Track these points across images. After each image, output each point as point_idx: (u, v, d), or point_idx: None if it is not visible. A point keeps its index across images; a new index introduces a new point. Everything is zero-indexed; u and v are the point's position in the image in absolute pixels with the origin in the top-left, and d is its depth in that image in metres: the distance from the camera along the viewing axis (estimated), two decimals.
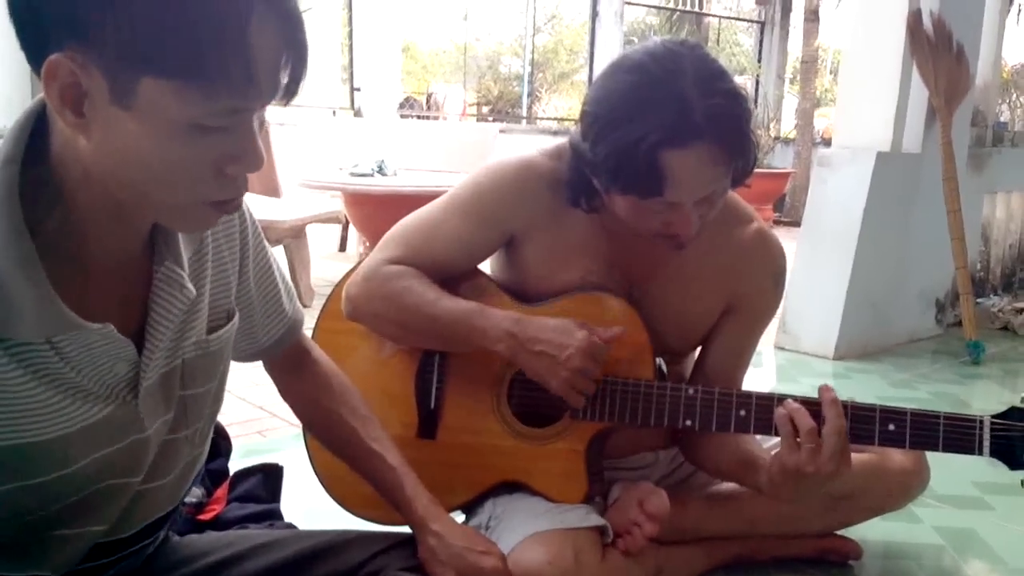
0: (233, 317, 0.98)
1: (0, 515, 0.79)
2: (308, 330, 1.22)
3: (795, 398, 1.26)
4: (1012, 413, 1.23)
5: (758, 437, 1.42)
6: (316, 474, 1.47)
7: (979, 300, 4.08)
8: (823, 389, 1.23)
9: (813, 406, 1.23)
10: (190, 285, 0.85)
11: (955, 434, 1.23)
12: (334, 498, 1.47)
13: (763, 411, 1.29)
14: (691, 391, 1.33)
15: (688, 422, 1.33)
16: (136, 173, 0.72)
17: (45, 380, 0.75)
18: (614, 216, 1.30)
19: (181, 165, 0.72)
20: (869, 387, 3.05)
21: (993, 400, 3.04)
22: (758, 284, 1.44)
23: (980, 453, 1.23)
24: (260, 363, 1.15)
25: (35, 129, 0.75)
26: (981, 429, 1.23)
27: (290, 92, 0.75)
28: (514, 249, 1.43)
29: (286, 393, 1.18)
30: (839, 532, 1.67)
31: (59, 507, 0.81)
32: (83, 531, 0.85)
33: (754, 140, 1.22)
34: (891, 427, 1.25)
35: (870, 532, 1.74)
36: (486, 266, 1.49)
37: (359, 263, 1.44)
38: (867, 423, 1.26)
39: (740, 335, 1.47)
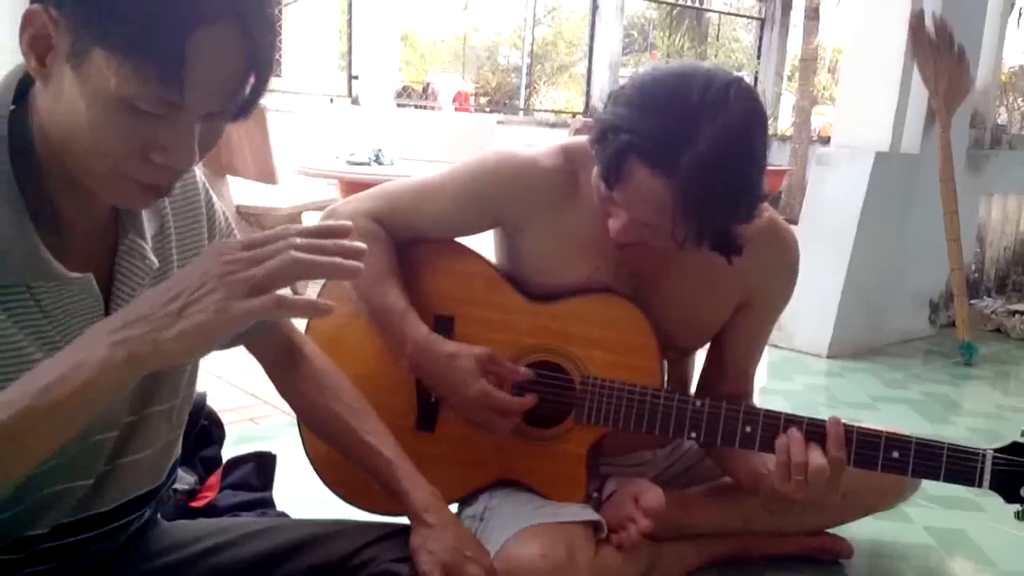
0: None
1: None
2: (302, 324, 1.21)
3: (802, 420, 1.26)
4: (1014, 448, 1.23)
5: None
6: (309, 459, 1.44)
7: (973, 302, 4.09)
8: (831, 422, 1.24)
9: (818, 429, 1.24)
10: (152, 256, 0.88)
11: (957, 466, 1.24)
12: (327, 484, 1.44)
13: (769, 430, 1.28)
14: (698, 403, 1.31)
15: (693, 434, 1.32)
16: (68, 133, 0.75)
17: (20, 325, 0.78)
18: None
19: (107, 136, 0.74)
20: (862, 386, 3.06)
21: (984, 402, 3.06)
22: (773, 276, 1.43)
23: (980, 486, 1.23)
24: (249, 351, 1.16)
25: (24, 87, 0.79)
26: (983, 463, 1.23)
27: (243, 110, 0.78)
28: (513, 240, 1.43)
29: (282, 391, 1.19)
30: (831, 531, 1.68)
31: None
32: (64, 488, 0.86)
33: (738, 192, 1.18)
34: (895, 455, 1.25)
35: (860, 531, 1.74)
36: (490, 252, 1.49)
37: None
38: (871, 449, 1.25)
39: (755, 328, 1.47)
